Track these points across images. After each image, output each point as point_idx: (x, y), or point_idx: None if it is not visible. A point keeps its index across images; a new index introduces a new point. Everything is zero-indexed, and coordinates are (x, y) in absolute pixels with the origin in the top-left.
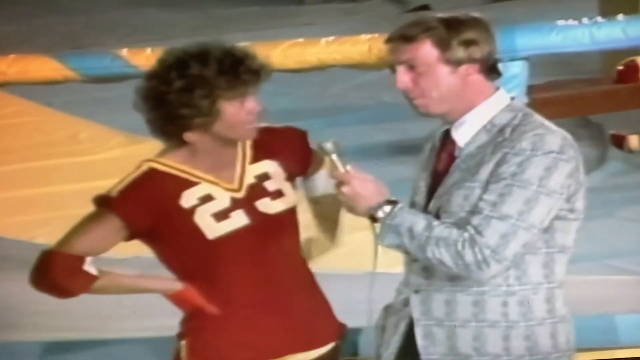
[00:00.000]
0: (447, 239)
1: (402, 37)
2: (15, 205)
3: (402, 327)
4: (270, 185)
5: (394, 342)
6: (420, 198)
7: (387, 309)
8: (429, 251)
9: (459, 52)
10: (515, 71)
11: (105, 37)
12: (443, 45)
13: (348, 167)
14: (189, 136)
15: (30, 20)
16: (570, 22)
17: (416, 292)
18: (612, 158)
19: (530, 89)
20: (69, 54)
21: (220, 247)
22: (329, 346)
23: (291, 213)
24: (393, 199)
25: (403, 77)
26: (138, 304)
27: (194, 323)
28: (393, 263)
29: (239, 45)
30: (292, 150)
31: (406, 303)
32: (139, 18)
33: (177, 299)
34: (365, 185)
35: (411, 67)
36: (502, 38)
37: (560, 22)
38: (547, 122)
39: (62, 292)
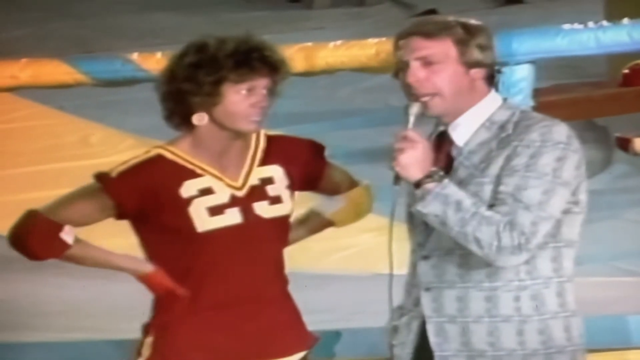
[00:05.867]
0: (491, 218)
1: (423, 33)
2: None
3: (415, 326)
4: (271, 190)
5: (410, 342)
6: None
7: (398, 310)
8: (469, 226)
9: (475, 55)
10: (521, 75)
11: (115, 41)
12: (462, 46)
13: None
14: (194, 119)
15: (41, 25)
16: (576, 25)
17: (427, 289)
18: (617, 161)
19: (536, 92)
20: (80, 57)
21: (206, 241)
22: (296, 356)
23: (284, 221)
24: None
25: (418, 72)
26: (149, 304)
27: (159, 320)
28: (403, 264)
29: (260, 36)
30: (304, 162)
31: (417, 302)
32: (149, 22)
33: (147, 280)
34: (426, 153)
35: (426, 64)
36: (508, 42)
37: (566, 26)
38: (547, 117)
39: (32, 254)
